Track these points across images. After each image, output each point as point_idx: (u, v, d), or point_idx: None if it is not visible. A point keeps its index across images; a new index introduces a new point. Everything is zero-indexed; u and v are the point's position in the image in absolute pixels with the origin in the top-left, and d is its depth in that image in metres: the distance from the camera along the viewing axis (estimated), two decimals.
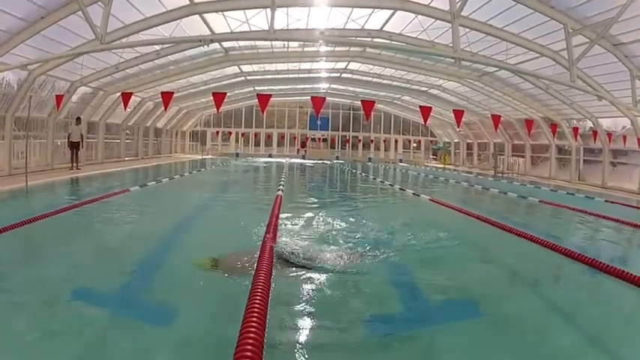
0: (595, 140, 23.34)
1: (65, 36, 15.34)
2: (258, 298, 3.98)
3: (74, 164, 19.93)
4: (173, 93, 18.21)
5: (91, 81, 21.07)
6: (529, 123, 19.83)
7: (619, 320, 5.01)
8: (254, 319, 3.48)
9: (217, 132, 46.98)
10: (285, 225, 8.80)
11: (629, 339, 4.45)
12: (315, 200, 14.01)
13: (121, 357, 3.56)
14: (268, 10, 16.19)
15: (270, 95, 17.77)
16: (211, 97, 35.09)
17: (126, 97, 18.92)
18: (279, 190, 14.09)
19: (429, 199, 14.70)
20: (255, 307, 3.72)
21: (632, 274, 5.67)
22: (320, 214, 10.42)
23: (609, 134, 22.13)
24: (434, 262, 6.80)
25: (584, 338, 4.46)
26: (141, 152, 32.50)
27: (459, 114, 18.89)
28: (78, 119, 19.99)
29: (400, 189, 18.16)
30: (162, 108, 32.68)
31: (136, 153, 31.94)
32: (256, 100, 42.58)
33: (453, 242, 8.14)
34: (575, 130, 22.56)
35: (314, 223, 9.34)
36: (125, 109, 21.49)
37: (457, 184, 22.92)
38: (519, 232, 8.70)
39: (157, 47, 19.90)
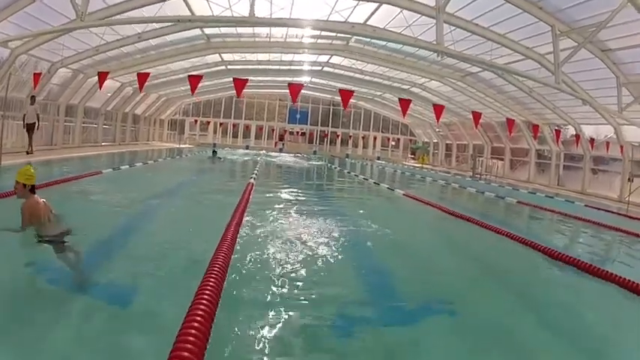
0: (577, 144, 23.18)
1: (49, 14, 14.94)
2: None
3: (30, 147, 18.56)
4: (149, 74, 17.45)
5: (71, 62, 20.49)
6: (510, 122, 19.48)
7: (579, 308, 5.27)
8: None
9: (195, 121, 46.09)
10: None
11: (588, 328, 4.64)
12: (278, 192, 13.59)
13: None
14: None
15: (246, 80, 17.08)
16: (189, 85, 35.20)
17: (102, 76, 18.23)
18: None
19: (403, 194, 15.10)
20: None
21: (595, 267, 6.25)
22: (289, 206, 10.37)
23: (592, 140, 21.96)
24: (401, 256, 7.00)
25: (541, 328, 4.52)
26: (118, 138, 31.72)
27: (438, 109, 18.50)
28: (32, 98, 18.43)
29: (375, 183, 18.35)
30: (142, 93, 32.17)
31: (114, 139, 31.17)
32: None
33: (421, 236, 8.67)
34: (557, 132, 22.30)
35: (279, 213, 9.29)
36: (100, 88, 20.60)
37: (433, 182, 23.01)
38: (488, 225, 9.30)
39: (139, 30, 19.52)
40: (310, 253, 6.32)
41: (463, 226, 9.95)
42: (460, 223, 10.30)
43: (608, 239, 10.65)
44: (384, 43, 22.87)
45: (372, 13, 18.70)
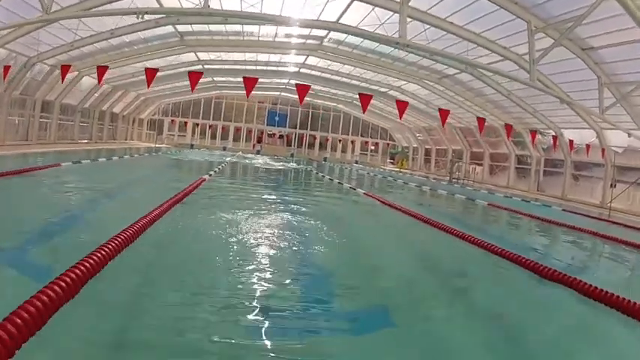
0: (555, 147, 22.52)
1: (23, 8, 14.80)
2: None
3: None
4: (107, 67, 16.64)
5: (47, 58, 20.22)
6: (480, 121, 18.72)
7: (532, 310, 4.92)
8: None
9: (172, 121, 45.02)
10: None
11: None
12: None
13: None
14: None
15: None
16: (168, 85, 34.29)
17: (64, 69, 17.71)
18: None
19: (364, 193, 15.03)
20: None
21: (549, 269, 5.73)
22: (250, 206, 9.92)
23: (571, 142, 21.25)
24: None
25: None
26: (95, 136, 31.01)
27: (402, 105, 17.60)
28: None
29: (351, 188, 17.47)
30: (118, 92, 31.48)
31: (90, 136, 30.53)
32: (216, 92, 42.22)
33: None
34: (533, 135, 21.56)
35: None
36: (62, 81, 20.18)
37: (404, 185, 22.53)
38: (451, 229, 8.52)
39: (112, 26, 19.17)
40: (228, 244, 6.07)
41: (415, 226, 9.63)
42: (412, 221, 10.00)
43: (582, 243, 10.20)
44: (358, 42, 22.09)
45: (344, 11, 17.96)
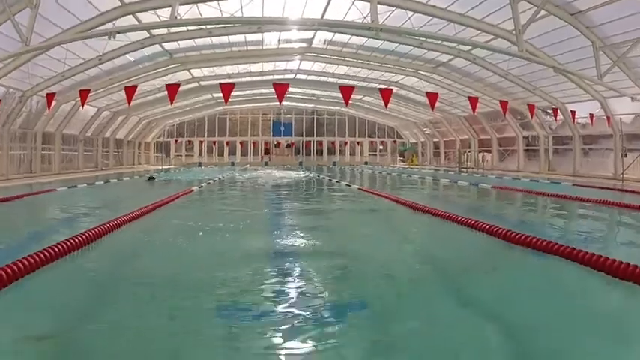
0: (556, 118, 21.66)
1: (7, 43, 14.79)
2: None
3: None
4: (89, 90, 16.47)
5: (41, 90, 20.16)
6: (473, 100, 17.96)
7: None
8: None
9: (176, 141, 45.19)
10: None
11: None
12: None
13: None
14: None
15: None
16: (170, 106, 34.22)
17: (49, 97, 17.54)
18: None
19: (358, 188, 15.10)
20: None
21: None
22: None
23: (572, 113, 20.44)
24: None
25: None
26: (101, 164, 31.14)
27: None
28: None
29: (337, 181, 18.06)
30: (120, 117, 31.59)
31: (96, 164, 30.71)
32: (219, 108, 42.16)
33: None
34: (531, 107, 20.60)
35: None
36: (49, 109, 20.31)
37: (408, 179, 22.21)
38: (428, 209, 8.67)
39: (99, 53, 19.26)
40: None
41: (405, 213, 9.49)
42: (402, 209, 9.97)
43: (594, 215, 9.56)
44: (346, 40, 21.73)
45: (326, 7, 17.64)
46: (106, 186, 17.87)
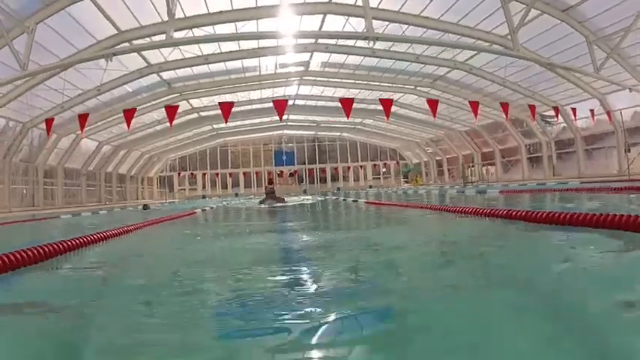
0: (557, 117, 21.59)
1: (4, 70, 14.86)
2: None
3: None
4: (88, 115, 16.27)
5: (40, 122, 20.02)
6: (474, 105, 17.80)
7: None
8: None
9: (179, 174, 45.29)
10: None
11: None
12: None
13: None
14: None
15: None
16: (171, 139, 34.39)
17: (49, 122, 17.14)
18: None
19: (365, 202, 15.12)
20: None
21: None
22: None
23: (573, 109, 20.35)
24: None
25: None
26: (103, 198, 30.98)
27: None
28: None
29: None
30: (121, 152, 31.71)
31: (99, 199, 30.54)
32: (219, 140, 42.32)
33: None
34: (532, 107, 20.47)
35: None
36: (48, 134, 20.09)
37: (413, 194, 22.17)
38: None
39: (98, 83, 19.49)
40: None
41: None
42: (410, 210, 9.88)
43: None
44: (342, 60, 21.96)
45: (320, 27, 17.85)
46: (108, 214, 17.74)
